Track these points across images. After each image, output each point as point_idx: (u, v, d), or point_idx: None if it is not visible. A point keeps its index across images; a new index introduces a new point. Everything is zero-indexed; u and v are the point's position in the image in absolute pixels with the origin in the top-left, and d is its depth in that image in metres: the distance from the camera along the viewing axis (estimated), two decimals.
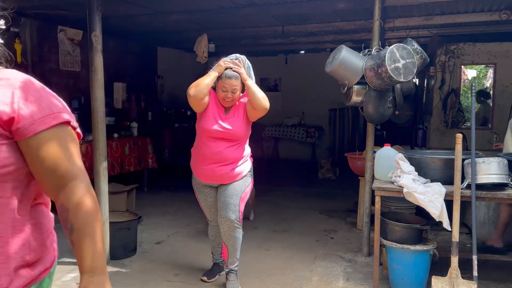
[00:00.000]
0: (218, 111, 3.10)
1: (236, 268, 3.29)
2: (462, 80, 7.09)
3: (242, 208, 3.16)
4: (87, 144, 5.29)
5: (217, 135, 3.04)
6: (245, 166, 3.18)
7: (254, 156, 3.38)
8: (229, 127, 3.04)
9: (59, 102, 1.10)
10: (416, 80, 7.23)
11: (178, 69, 8.83)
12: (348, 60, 3.59)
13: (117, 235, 3.86)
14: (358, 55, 3.69)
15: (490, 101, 6.87)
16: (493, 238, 3.96)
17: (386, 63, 3.32)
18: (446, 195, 3.01)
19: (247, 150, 3.22)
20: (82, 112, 6.08)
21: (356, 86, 3.68)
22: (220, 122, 3.05)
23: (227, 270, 3.29)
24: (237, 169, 3.11)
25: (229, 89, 3.01)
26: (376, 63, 3.44)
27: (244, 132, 3.11)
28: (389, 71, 3.33)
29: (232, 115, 3.10)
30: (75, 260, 1.07)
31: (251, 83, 3.05)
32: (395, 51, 3.37)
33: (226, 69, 3.03)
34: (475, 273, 2.95)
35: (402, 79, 3.38)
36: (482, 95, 7.14)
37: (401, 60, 3.36)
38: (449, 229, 3.02)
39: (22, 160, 1.05)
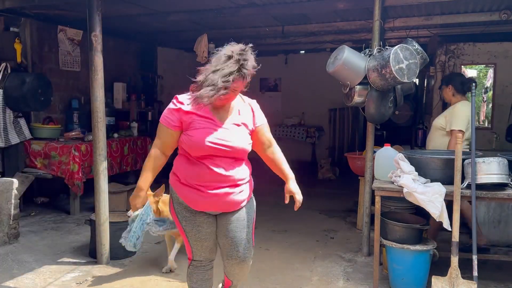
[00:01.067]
0: (210, 121, 2.30)
1: None
2: None
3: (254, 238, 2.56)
4: (87, 144, 5.29)
5: (214, 153, 2.28)
6: (249, 186, 2.51)
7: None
8: (227, 140, 2.29)
9: None
10: (416, 80, 7.23)
11: (178, 69, 8.83)
12: (350, 60, 3.58)
13: (117, 235, 3.84)
14: (360, 56, 3.69)
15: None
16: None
17: (391, 64, 3.32)
18: (446, 195, 3.01)
19: (249, 166, 2.55)
20: (82, 112, 6.10)
21: (358, 87, 3.67)
22: (215, 134, 2.27)
23: None
24: (244, 192, 2.42)
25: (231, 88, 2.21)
26: (380, 64, 3.44)
27: (246, 145, 2.38)
28: (394, 72, 3.33)
29: (228, 123, 2.33)
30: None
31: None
32: (399, 52, 3.36)
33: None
34: (475, 273, 2.95)
35: (406, 80, 3.39)
36: None
37: (404, 61, 3.36)
38: (449, 229, 3.02)
39: None
